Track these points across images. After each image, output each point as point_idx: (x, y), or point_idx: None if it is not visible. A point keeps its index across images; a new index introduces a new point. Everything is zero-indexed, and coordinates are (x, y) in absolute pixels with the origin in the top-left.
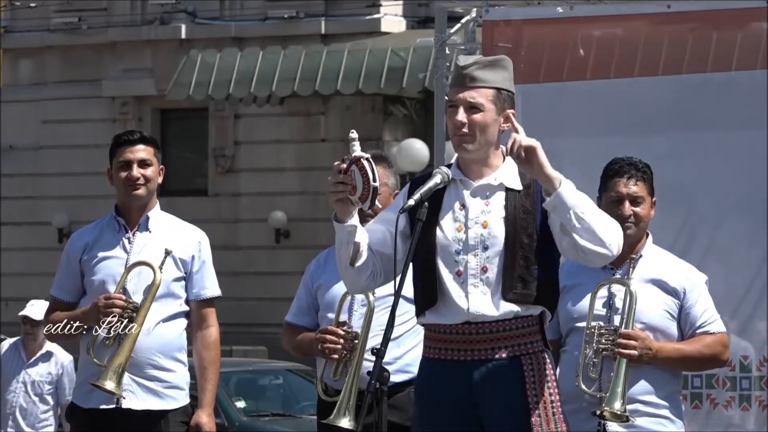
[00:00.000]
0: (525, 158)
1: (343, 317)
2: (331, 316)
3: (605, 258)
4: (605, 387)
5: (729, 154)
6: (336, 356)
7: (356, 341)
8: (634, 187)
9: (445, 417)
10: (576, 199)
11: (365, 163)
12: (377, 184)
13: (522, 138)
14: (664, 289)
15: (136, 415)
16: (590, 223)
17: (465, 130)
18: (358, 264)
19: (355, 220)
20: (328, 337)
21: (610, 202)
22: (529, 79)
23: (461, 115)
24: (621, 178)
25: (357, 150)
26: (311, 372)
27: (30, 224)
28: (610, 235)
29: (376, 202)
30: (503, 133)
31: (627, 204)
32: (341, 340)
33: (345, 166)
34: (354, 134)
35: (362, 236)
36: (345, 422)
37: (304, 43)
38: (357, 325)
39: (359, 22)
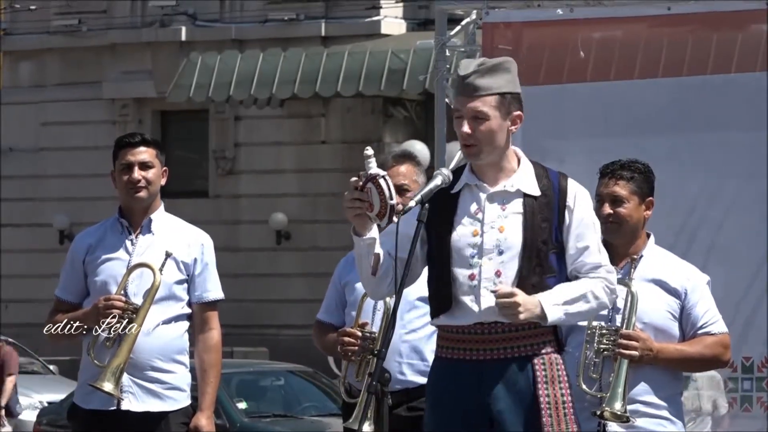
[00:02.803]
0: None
1: (367, 318)
2: (355, 314)
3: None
4: (606, 387)
5: (729, 155)
6: (354, 358)
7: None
8: (615, 187)
9: (456, 416)
10: (561, 312)
11: (381, 181)
12: (394, 201)
13: (507, 302)
14: (666, 290)
15: (136, 416)
16: (581, 312)
17: (471, 141)
18: (379, 273)
19: (374, 232)
20: (346, 339)
21: (595, 203)
22: (529, 81)
23: (466, 127)
24: (603, 179)
25: (373, 167)
26: (312, 373)
27: (30, 226)
28: (599, 304)
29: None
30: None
31: (606, 205)
32: (358, 342)
33: (361, 183)
34: (369, 151)
35: (381, 247)
36: (366, 427)
37: (305, 45)
38: (378, 326)
39: (359, 24)
